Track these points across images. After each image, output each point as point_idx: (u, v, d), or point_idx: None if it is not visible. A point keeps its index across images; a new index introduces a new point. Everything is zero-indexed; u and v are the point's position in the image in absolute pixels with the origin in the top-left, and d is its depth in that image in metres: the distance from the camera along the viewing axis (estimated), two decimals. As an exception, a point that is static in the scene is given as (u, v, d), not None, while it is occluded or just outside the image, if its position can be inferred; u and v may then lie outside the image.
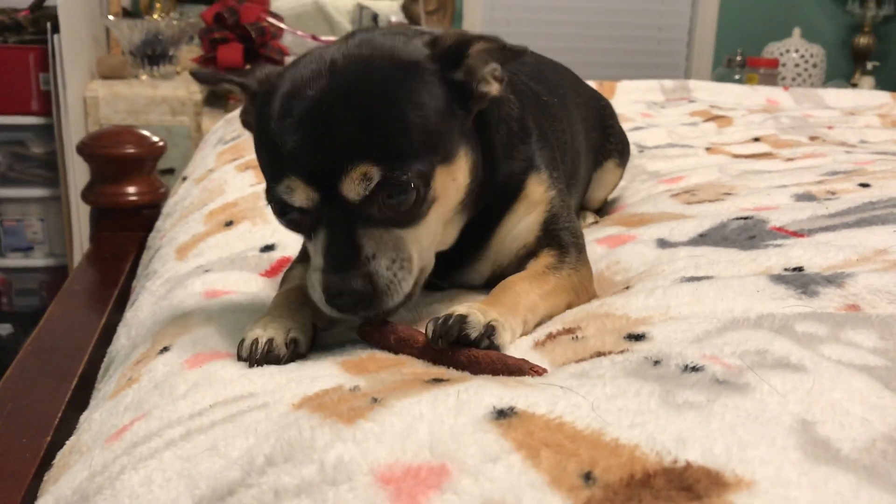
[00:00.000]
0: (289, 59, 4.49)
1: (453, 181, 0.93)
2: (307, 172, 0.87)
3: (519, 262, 1.06)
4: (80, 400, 1.59)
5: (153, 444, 0.75)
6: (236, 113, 2.73)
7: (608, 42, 5.15)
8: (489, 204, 1.03)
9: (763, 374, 0.70)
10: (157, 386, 0.89)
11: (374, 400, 0.69)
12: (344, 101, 0.86)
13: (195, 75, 1.04)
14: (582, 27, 5.09)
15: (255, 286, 1.20)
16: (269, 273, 1.25)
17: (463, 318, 0.84)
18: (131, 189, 2.62)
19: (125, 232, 2.63)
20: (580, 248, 1.08)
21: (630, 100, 2.52)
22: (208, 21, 3.93)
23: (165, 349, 0.99)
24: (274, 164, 0.91)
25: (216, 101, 4.60)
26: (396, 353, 0.89)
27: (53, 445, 1.44)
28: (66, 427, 1.52)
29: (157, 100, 4.05)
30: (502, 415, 0.64)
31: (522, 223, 1.06)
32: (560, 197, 1.10)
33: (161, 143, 2.65)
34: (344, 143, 0.85)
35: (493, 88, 0.95)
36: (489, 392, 0.67)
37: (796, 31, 4.80)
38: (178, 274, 1.30)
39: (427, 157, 0.88)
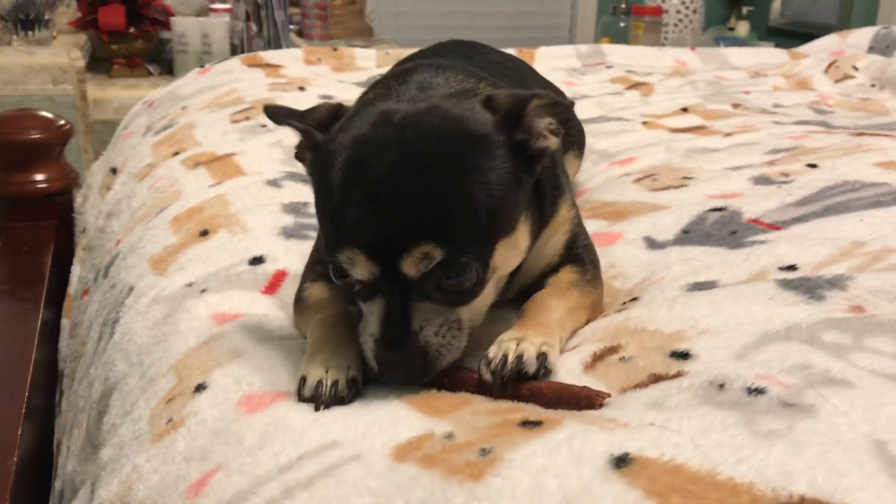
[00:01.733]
0: (173, 20, 4.31)
1: (514, 248, 0.95)
2: (369, 247, 0.88)
3: (541, 279, 1.11)
4: (35, 411, 1.53)
5: (252, 502, 0.76)
6: (156, 94, 2.63)
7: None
8: None
9: (820, 391, 0.78)
10: (218, 434, 0.89)
11: (485, 451, 0.73)
12: (412, 179, 0.87)
13: (267, 110, 1.01)
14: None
15: (262, 306, 1.19)
16: (269, 289, 1.25)
17: (520, 358, 0.88)
18: (40, 176, 2.51)
19: (37, 221, 2.52)
20: (596, 266, 1.13)
21: (550, 66, 2.58)
22: (87, -18, 3.72)
23: (202, 387, 0.98)
24: (336, 229, 0.91)
25: (98, 66, 4.37)
26: (453, 391, 0.91)
27: (22, 467, 1.39)
28: (27, 443, 1.47)
29: (36, 68, 3.83)
30: (622, 462, 0.69)
31: (550, 242, 1.11)
32: (578, 215, 1.15)
33: (68, 127, 2.54)
34: (408, 222, 0.86)
35: (552, 143, 0.97)
36: (598, 438, 0.72)
37: (676, -22, 4.97)
38: (168, 292, 1.27)
39: (490, 236, 0.90)
